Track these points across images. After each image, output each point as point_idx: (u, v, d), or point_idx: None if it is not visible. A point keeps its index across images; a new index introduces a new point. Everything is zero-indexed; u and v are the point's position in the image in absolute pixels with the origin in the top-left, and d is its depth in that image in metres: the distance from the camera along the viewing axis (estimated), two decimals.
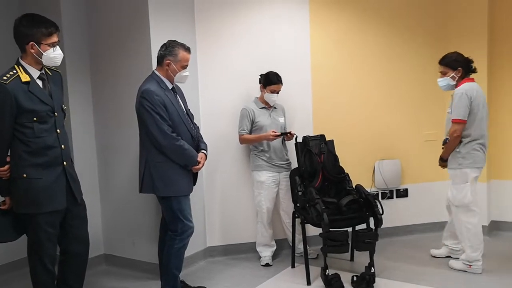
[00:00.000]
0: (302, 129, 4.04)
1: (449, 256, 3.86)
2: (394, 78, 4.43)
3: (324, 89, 4.26)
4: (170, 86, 3.15)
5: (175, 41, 3.14)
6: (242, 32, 4.08)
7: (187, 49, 3.13)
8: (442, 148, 3.58)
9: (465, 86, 3.48)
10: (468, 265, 3.60)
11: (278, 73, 3.82)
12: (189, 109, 3.33)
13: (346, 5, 4.27)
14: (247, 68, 4.07)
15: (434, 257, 3.93)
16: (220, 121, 4.08)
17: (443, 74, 3.56)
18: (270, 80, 3.79)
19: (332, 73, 4.28)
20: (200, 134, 3.37)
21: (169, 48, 3.10)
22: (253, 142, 3.87)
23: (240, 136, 3.87)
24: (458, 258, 3.72)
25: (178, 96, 3.22)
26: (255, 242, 4.08)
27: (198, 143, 3.27)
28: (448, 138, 3.50)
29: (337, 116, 4.31)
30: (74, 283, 2.94)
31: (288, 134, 3.83)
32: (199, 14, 3.99)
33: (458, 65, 3.50)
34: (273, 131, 3.75)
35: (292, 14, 4.15)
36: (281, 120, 3.95)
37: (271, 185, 3.86)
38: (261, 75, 3.87)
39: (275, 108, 3.95)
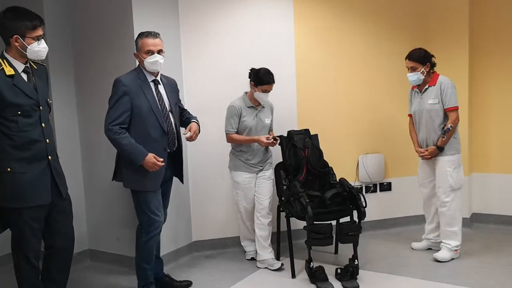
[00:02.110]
0: (286, 124, 4.06)
1: (430, 249, 3.94)
2: (378, 73, 4.48)
3: (309, 84, 4.29)
4: (151, 78, 3.12)
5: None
6: (227, 27, 4.08)
7: (147, 35, 3.05)
8: (443, 138, 3.61)
9: (445, 77, 3.69)
10: (455, 250, 3.73)
11: (270, 70, 3.65)
12: (177, 104, 3.31)
13: (330, 2, 4.30)
14: (232, 63, 4.08)
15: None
16: (205, 117, 4.05)
17: (413, 69, 3.70)
18: (262, 80, 3.62)
19: (316, 68, 4.32)
20: (186, 113, 3.40)
21: (135, 43, 3.12)
22: (242, 143, 3.72)
23: (228, 135, 3.72)
24: (438, 249, 3.84)
25: (163, 89, 3.18)
26: (239, 236, 4.10)
27: (175, 139, 3.20)
28: (451, 126, 3.59)
29: (321, 111, 4.34)
30: (59, 278, 2.92)
31: (274, 141, 3.68)
32: (183, 9, 3.98)
33: (427, 61, 3.68)
34: (266, 137, 3.62)
35: (277, 9, 4.16)
36: (267, 121, 3.80)
37: (248, 185, 3.75)
38: (251, 71, 3.70)
39: (263, 107, 3.79)
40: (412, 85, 3.82)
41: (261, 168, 3.79)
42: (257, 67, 4.04)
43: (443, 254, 3.73)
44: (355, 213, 3.54)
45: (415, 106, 3.83)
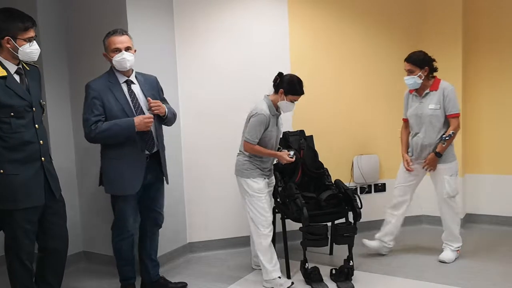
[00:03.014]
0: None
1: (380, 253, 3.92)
2: (372, 75, 4.49)
3: (304, 85, 4.29)
4: (123, 79, 3.07)
5: None
6: (222, 28, 4.07)
7: (113, 33, 3.01)
8: (443, 144, 3.54)
9: (447, 83, 3.62)
10: (457, 250, 3.77)
11: (301, 79, 3.40)
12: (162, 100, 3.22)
13: (324, 2, 4.31)
14: (227, 64, 4.08)
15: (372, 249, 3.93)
16: (200, 117, 4.07)
17: (410, 72, 3.58)
18: (295, 90, 3.32)
19: (311, 70, 4.31)
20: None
21: (103, 43, 3.08)
22: (263, 155, 3.40)
23: (250, 144, 3.30)
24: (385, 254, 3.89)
25: (138, 89, 3.11)
26: (235, 238, 4.10)
27: (153, 139, 3.12)
28: (453, 133, 3.55)
29: (316, 112, 4.35)
30: (53, 280, 2.91)
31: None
32: (177, 11, 3.97)
33: (426, 65, 3.57)
34: (288, 154, 3.36)
35: (271, 10, 4.16)
36: (282, 129, 3.57)
37: (266, 191, 3.45)
38: (280, 76, 3.36)
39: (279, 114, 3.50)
40: (409, 88, 3.71)
41: (269, 175, 3.58)
42: (251, 68, 4.07)
43: (448, 255, 3.74)
44: (350, 214, 3.54)
45: (412, 110, 3.72)
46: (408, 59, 3.60)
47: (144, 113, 3.06)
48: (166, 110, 3.16)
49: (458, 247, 3.78)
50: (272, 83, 3.40)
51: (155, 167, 3.19)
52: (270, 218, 3.41)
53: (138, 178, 3.06)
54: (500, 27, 4.44)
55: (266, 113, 3.30)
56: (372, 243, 3.91)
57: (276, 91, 3.37)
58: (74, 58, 3.86)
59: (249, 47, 4.12)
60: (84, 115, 3.00)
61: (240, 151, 3.48)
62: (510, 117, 4.48)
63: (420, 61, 3.55)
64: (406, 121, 3.85)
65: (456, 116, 3.59)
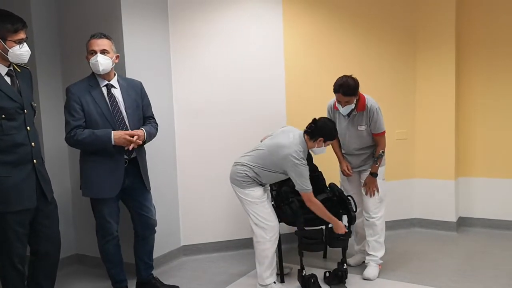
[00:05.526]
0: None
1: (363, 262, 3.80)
2: (366, 77, 4.45)
3: (297, 87, 4.30)
4: (103, 83, 3.07)
5: None
6: (216, 31, 4.07)
7: (93, 36, 3.05)
8: (376, 164, 3.51)
9: (371, 99, 3.51)
10: (379, 264, 3.63)
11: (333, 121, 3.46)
12: (138, 107, 3.19)
13: (318, 6, 4.32)
14: (222, 66, 4.08)
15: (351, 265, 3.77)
16: (194, 119, 4.07)
17: (347, 103, 3.41)
18: (333, 136, 3.35)
19: (305, 72, 4.33)
20: (147, 122, 3.25)
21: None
22: (325, 216, 3.30)
23: (311, 196, 3.23)
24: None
25: (119, 93, 3.10)
26: (228, 241, 4.08)
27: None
28: (383, 152, 3.53)
29: (310, 114, 4.29)
30: (45, 283, 2.89)
31: None
32: (172, 13, 3.97)
33: (358, 89, 3.41)
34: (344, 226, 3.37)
35: (266, 13, 4.16)
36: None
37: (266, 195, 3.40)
38: (314, 124, 3.31)
39: None
40: (344, 114, 3.52)
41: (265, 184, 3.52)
42: (246, 70, 4.06)
43: (373, 271, 3.56)
44: (344, 217, 3.54)
45: (342, 129, 3.57)
46: (345, 92, 3.35)
47: (124, 118, 3.07)
48: (145, 134, 3.11)
49: (381, 258, 3.62)
50: (306, 130, 3.33)
51: (135, 172, 3.17)
52: (276, 223, 3.31)
53: (117, 182, 3.06)
54: (492, 32, 4.46)
55: (304, 162, 3.22)
56: (355, 259, 3.83)
57: (312, 138, 3.29)
58: (67, 60, 3.84)
59: (244, 50, 4.11)
60: (66, 119, 3.01)
61: (238, 161, 3.35)
62: (503, 120, 4.51)
63: (354, 89, 3.36)
64: None
65: (382, 134, 3.53)
